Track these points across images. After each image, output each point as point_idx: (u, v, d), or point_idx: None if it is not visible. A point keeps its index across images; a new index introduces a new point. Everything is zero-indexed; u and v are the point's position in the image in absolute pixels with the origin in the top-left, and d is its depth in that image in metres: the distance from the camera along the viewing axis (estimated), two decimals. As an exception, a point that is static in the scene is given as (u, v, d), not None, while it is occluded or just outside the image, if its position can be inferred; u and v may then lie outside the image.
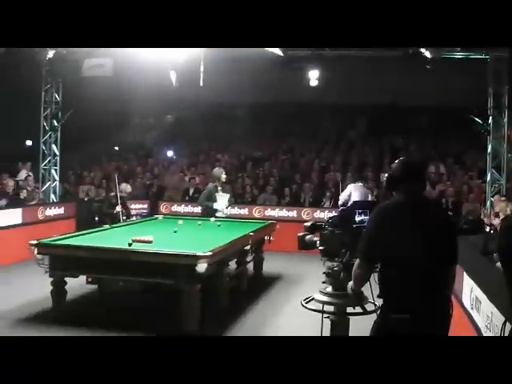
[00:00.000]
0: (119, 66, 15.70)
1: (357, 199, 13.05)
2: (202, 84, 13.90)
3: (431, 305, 4.32)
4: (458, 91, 18.81)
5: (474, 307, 6.49)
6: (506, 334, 4.27)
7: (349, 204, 10.93)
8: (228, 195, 13.61)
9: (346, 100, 22.88)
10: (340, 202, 14.29)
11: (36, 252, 8.87)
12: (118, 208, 13.63)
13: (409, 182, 4.56)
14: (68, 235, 10.23)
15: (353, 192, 14.13)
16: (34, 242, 8.98)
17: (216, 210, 13.33)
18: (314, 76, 16.93)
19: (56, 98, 17.73)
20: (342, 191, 14.93)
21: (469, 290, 6.90)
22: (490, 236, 11.93)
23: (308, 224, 6.01)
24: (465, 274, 7.21)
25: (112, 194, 14.20)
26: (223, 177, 13.65)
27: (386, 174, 4.85)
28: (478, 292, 6.35)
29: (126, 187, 14.46)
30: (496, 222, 11.82)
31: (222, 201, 13.43)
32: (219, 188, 13.41)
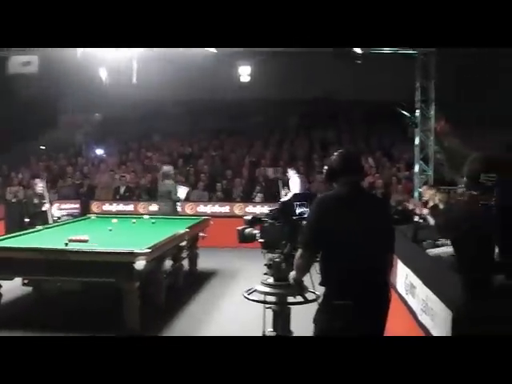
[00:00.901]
0: (47, 63, 15.47)
1: (298, 191, 13.40)
2: (135, 81, 13.86)
3: (370, 291, 4.45)
4: (386, 85, 19.17)
5: (409, 292, 6.68)
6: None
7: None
8: (186, 188, 15.19)
9: (277, 95, 23.04)
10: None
11: (-33, 255, 8.66)
12: (46, 206, 13.41)
13: (348, 173, 4.67)
14: (2, 237, 10.08)
15: (297, 183, 14.55)
16: (-35, 244, 8.78)
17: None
18: (245, 72, 17.04)
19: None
20: (286, 183, 15.22)
21: (403, 276, 7.08)
22: (420, 225, 12.21)
23: (248, 217, 6.09)
24: (399, 261, 7.40)
25: (38, 191, 13.89)
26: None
27: (326, 167, 4.94)
28: (413, 278, 6.53)
29: (36, 182, 14.19)
30: (425, 211, 12.10)
31: (182, 194, 14.78)
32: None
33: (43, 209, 13.31)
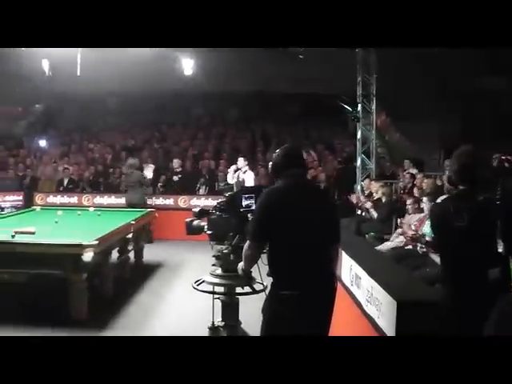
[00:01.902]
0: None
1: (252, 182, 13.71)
2: (79, 74, 13.85)
3: (317, 281, 4.61)
4: (328, 79, 19.36)
5: (354, 283, 6.86)
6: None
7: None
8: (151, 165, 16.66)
9: (218, 88, 23.07)
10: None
11: None
12: None
13: (292, 167, 4.84)
14: None
15: (252, 178, 14.81)
16: None
17: None
18: (188, 65, 17.15)
19: None
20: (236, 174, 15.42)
21: (348, 268, 7.25)
22: (362, 218, 12.48)
23: (196, 210, 6.22)
24: (343, 253, 7.56)
25: None
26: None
27: (271, 162, 5.12)
28: (358, 269, 6.71)
29: None
30: (368, 204, 12.36)
31: (150, 173, 16.20)
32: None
33: None
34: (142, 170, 15.88)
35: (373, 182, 13.75)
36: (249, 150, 21.19)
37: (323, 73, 19.18)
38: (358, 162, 16.23)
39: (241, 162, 15.69)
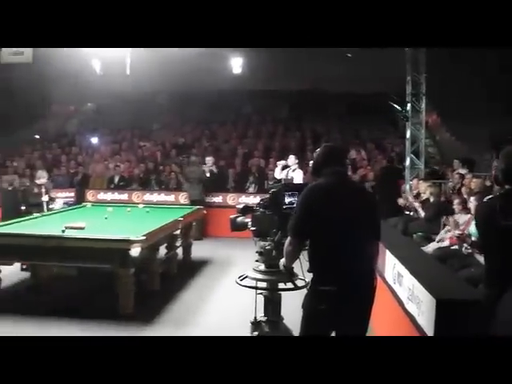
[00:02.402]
0: (40, 52, 15.53)
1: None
2: (128, 73, 14.04)
3: (356, 277, 4.65)
4: (378, 78, 19.32)
5: (397, 281, 6.87)
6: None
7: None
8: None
9: (268, 86, 23.15)
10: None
11: (-31, 240, 8.86)
12: (45, 198, 13.63)
13: (332, 165, 4.90)
14: (0, 223, 10.28)
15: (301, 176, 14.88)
16: (-33, 230, 8.97)
17: None
18: (237, 64, 17.27)
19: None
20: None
21: (391, 266, 7.27)
22: (410, 218, 12.44)
23: (240, 206, 6.30)
24: (387, 251, 7.59)
25: (41, 182, 14.11)
26: None
27: (311, 161, 5.18)
28: (400, 267, 6.72)
29: (42, 174, 14.40)
30: (416, 204, 12.32)
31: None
32: None
33: (43, 199, 13.52)
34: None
35: (421, 182, 13.67)
36: (298, 149, 21.21)
37: (373, 72, 19.15)
38: (407, 162, 16.16)
39: (291, 159, 15.65)
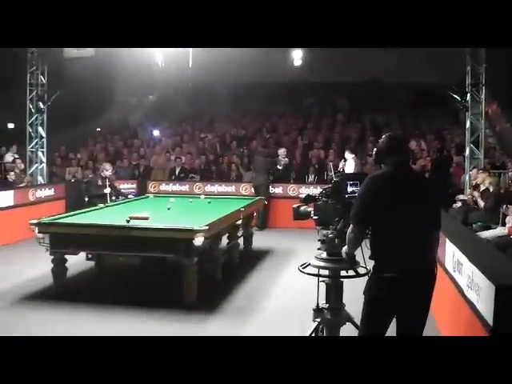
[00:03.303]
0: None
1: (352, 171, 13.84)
2: (190, 65, 14.21)
3: (417, 265, 4.76)
4: (436, 68, 19.19)
5: (456, 269, 6.92)
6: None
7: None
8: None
9: (328, 78, 23.16)
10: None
11: (37, 231, 9.12)
12: (107, 190, 13.95)
13: (395, 154, 4.98)
14: (66, 214, 10.56)
15: (353, 166, 14.98)
16: (35, 221, 9.23)
17: None
18: (297, 56, 17.37)
19: (41, 81, 17.78)
20: (342, 165, 15.58)
21: (451, 254, 7.32)
22: (470, 208, 12.42)
23: (302, 196, 6.42)
24: (447, 240, 7.63)
25: (105, 174, 14.45)
26: None
27: (375, 149, 5.27)
28: (460, 255, 6.77)
29: (105, 166, 14.74)
30: (476, 194, 12.30)
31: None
32: None
33: (105, 191, 13.85)
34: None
35: (480, 172, 13.61)
36: (358, 140, 21.24)
37: (433, 62, 19.01)
38: (467, 152, 16.04)
39: (347, 154, 16.04)
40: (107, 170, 14.39)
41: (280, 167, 17.09)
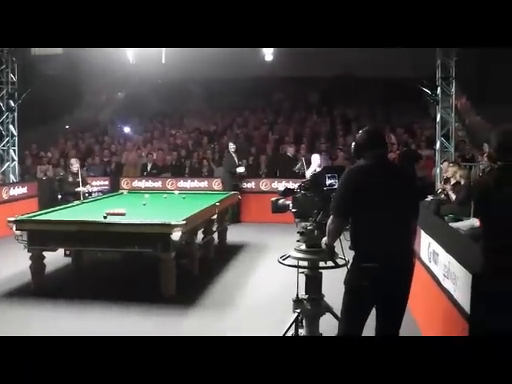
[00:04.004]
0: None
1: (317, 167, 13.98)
2: (164, 62, 14.22)
3: (396, 254, 4.88)
4: (406, 63, 19.34)
5: (432, 260, 7.06)
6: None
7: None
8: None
9: (299, 73, 23.24)
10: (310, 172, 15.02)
11: (15, 228, 9.16)
12: (80, 188, 14.02)
13: (373, 148, 5.09)
14: (43, 211, 10.58)
15: (322, 161, 15.03)
16: (12, 218, 9.26)
17: None
18: (268, 51, 17.43)
19: (12, 79, 17.67)
20: (308, 163, 15.68)
21: (426, 245, 7.46)
22: (441, 200, 12.57)
23: (281, 189, 6.52)
24: (422, 231, 7.76)
25: (73, 170, 14.52)
26: None
27: (353, 143, 5.38)
28: (436, 246, 6.91)
29: (71, 161, 14.87)
30: (448, 187, 12.46)
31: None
32: None
33: (77, 189, 13.91)
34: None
35: (450, 165, 13.78)
36: (329, 135, 21.37)
37: (403, 56, 19.17)
38: (438, 145, 16.22)
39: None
40: (72, 164, 14.49)
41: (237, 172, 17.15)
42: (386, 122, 22.70)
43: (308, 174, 14.77)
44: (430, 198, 13.13)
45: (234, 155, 17.24)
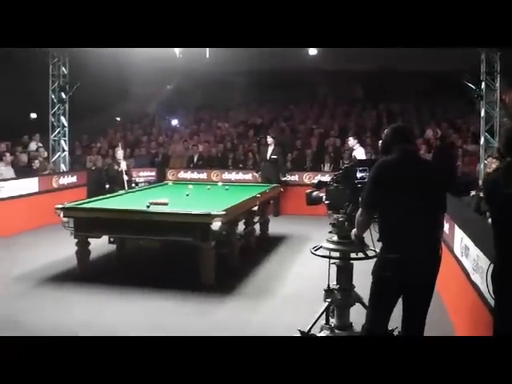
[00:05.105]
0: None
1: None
2: (208, 55, 14.44)
3: (422, 246, 5.01)
4: (451, 57, 19.24)
5: (464, 254, 7.17)
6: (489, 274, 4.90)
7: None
8: None
9: (344, 67, 23.27)
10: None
11: (62, 215, 9.54)
12: (124, 177, 14.26)
13: (400, 144, 5.25)
14: (90, 199, 10.99)
15: (363, 153, 15.35)
16: (60, 205, 9.65)
17: None
18: (312, 45, 17.55)
19: (63, 72, 18.15)
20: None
21: (459, 240, 7.57)
22: (483, 197, 12.58)
23: (315, 181, 6.71)
24: (456, 227, 7.88)
25: (117, 157, 14.86)
26: None
27: (381, 141, 5.56)
28: (467, 240, 7.02)
29: (116, 150, 15.19)
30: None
31: None
32: None
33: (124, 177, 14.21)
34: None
35: (494, 161, 13.75)
36: (374, 128, 21.38)
37: (448, 50, 19.08)
38: (482, 141, 16.14)
39: (350, 141, 16.37)
40: (117, 152, 14.84)
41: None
42: (430, 116, 22.64)
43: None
44: (472, 193, 13.14)
45: (269, 148, 17.36)
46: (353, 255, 6.34)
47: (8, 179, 14.29)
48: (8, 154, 15.32)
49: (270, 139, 17.45)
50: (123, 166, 14.48)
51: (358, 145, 16.42)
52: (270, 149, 17.23)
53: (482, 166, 15.77)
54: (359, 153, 15.95)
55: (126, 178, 14.27)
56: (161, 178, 17.86)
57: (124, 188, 13.58)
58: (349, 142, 16.60)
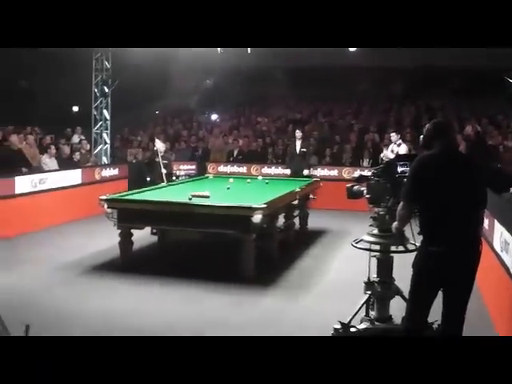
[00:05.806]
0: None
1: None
2: (249, 50, 14.58)
3: (462, 240, 5.10)
4: (492, 52, 19.12)
5: (504, 249, 7.22)
6: None
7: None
8: None
9: (383, 63, 23.22)
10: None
11: (106, 206, 9.74)
12: (163, 170, 14.39)
13: (440, 139, 5.34)
14: (133, 191, 11.19)
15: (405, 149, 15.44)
16: (104, 197, 9.87)
17: None
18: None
19: (106, 66, 18.46)
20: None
21: (499, 235, 7.61)
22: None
23: (356, 176, 6.82)
24: (496, 222, 7.91)
25: (159, 149, 15.02)
26: None
27: (422, 135, 5.65)
28: (507, 236, 7.07)
29: (160, 144, 15.35)
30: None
31: None
32: None
33: (162, 171, 14.37)
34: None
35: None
36: (413, 124, 21.32)
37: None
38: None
39: (393, 136, 16.34)
40: (161, 149, 14.99)
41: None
42: (470, 112, 22.52)
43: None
44: (512, 190, 13.10)
45: (297, 142, 17.31)
46: (393, 248, 6.44)
47: (52, 170, 14.51)
48: (52, 147, 15.53)
49: (298, 133, 17.41)
50: (160, 158, 14.65)
51: (401, 140, 16.43)
52: (299, 142, 17.27)
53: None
54: (402, 149, 15.96)
55: (164, 171, 14.44)
56: (201, 172, 18.04)
57: (163, 181, 13.74)
58: (391, 138, 16.58)
